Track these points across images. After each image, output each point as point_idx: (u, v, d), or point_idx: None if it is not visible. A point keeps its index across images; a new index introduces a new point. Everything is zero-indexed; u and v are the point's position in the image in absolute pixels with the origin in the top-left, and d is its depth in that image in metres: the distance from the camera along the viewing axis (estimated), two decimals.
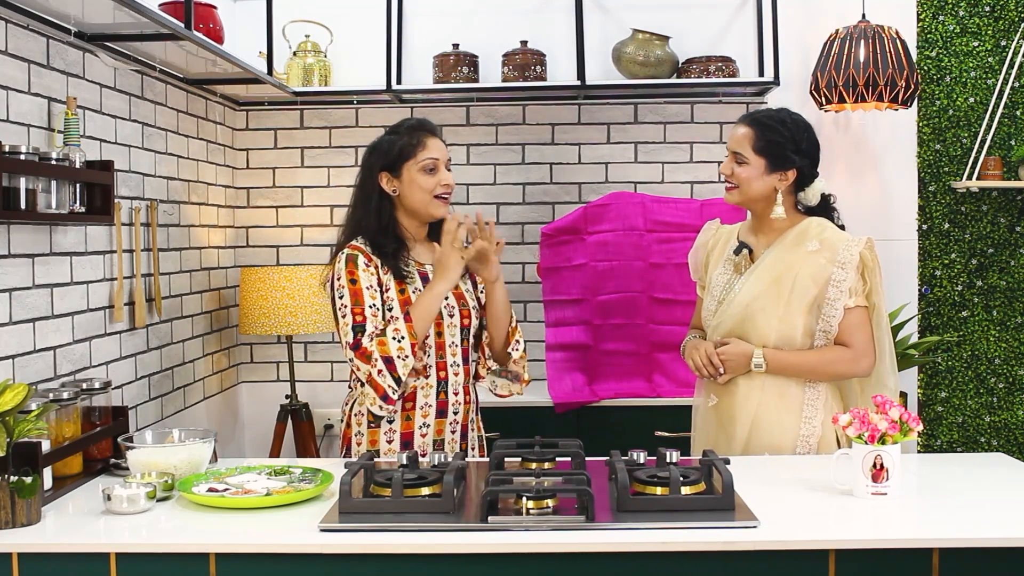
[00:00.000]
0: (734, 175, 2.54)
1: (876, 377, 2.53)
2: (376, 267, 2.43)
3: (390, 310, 2.39)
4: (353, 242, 2.46)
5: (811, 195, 2.56)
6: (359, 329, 2.35)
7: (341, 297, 2.38)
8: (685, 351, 2.68)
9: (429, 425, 2.49)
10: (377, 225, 2.47)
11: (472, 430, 2.60)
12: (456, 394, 2.50)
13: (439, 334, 2.48)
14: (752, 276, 2.54)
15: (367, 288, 2.39)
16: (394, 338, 2.34)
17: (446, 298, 2.48)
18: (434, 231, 2.56)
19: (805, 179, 2.54)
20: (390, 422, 2.45)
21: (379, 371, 2.32)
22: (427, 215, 2.51)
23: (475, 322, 2.58)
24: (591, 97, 3.94)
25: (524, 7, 3.92)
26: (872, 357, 2.49)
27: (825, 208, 2.59)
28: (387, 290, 2.42)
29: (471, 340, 2.58)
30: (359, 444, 2.47)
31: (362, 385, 2.38)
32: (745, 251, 2.59)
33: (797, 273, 2.47)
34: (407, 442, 2.47)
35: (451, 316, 2.50)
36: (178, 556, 1.86)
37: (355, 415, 2.49)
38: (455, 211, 2.50)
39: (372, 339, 2.34)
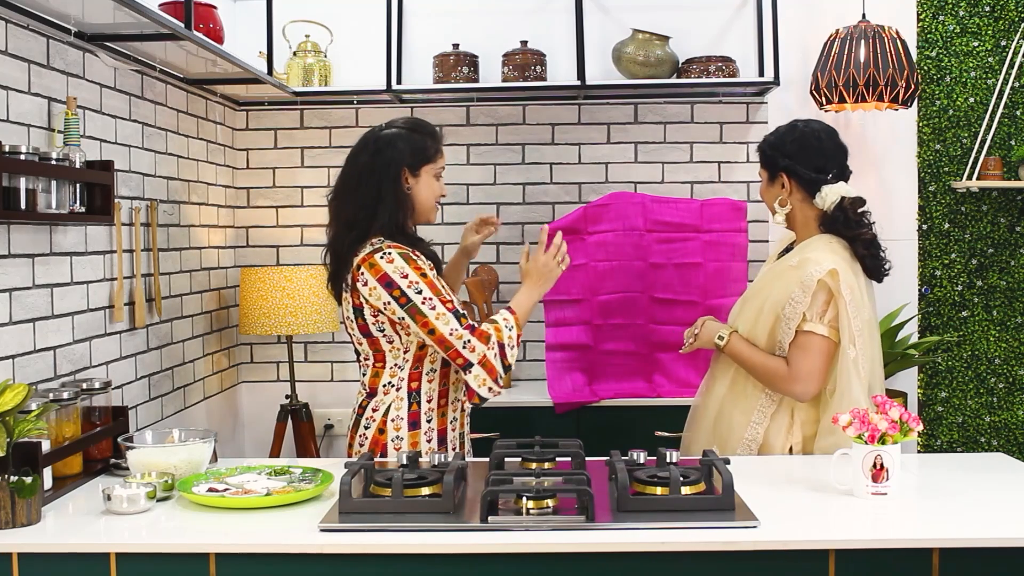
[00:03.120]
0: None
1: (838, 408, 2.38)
2: (424, 261, 2.44)
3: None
4: (383, 241, 2.42)
5: (821, 200, 2.50)
6: (458, 315, 2.37)
7: (420, 292, 2.34)
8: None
9: (456, 419, 2.53)
10: (402, 220, 2.46)
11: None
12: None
13: None
14: (755, 279, 2.61)
15: (436, 279, 2.41)
16: (506, 326, 2.41)
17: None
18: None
19: (807, 182, 2.51)
20: (428, 421, 2.46)
21: (494, 354, 2.37)
22: (425, 219, 2.53)
23: None
24: (591, 97, 3.94)
25: (524, 7, 3.92)
26: (810, 387, 2.42)
27: (842, 214, 2.49)
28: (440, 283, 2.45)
29: None
30: (398, 449, 2.43)
31: (468, 369, 2.35)
32: (782, 256, 2.64)
33: (774, 286, 2.49)
34: (442, 439, 2.49)
35: None
36: (178, 556, 1.86)
37: (391, 420, 2.44)
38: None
39: (482, 323, 2.40)
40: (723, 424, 2.56)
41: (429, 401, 2.46)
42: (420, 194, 2.49)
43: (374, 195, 2.44)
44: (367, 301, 2.39)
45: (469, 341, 2.35)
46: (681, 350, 2.72)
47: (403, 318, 2.36)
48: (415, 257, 2.41)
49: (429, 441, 2.46)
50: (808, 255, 2.45)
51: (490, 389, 2.37)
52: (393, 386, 2.45)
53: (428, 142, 2.50)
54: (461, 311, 2.39)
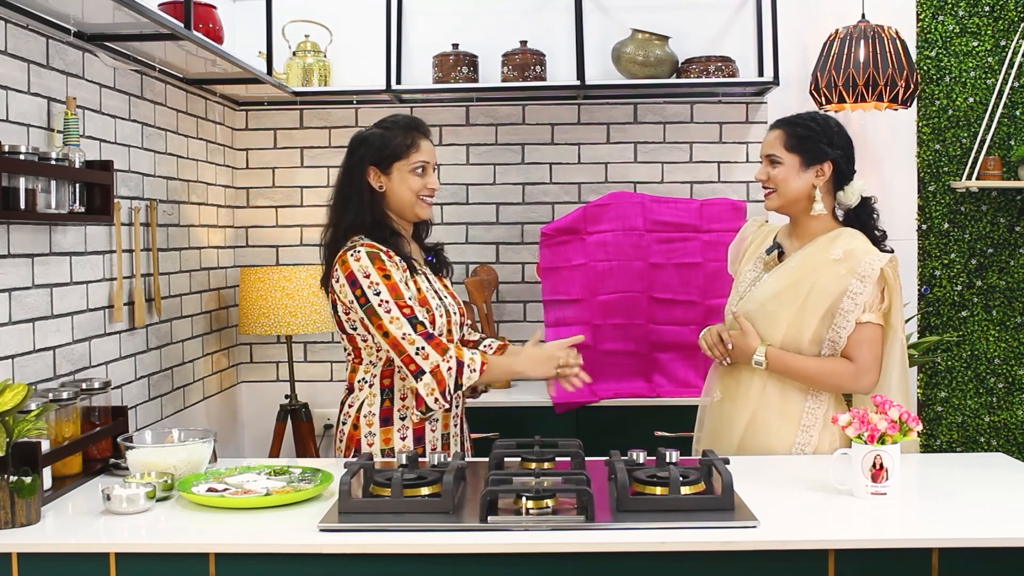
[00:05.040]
0: (770, 179, 2.51)
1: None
2: (396, 263, 2.42)
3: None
4: (362, 239, 2.44)
5: (850, 194, 2.50)
6: (415, 321, 2.35)
7: (378, 294, 2.34)
8: (700, 336, 2.66)
9: (438, 419, 2.51)
10: (371, 220, 2.46)
11: (465, 424, 2.65)
12: None
13: (449, 331, 2.51)
14: (774, 276, 2.53)
15: (401, 282, 2.38)
16: (469, 353, 2.39)
17: (443, 297, 2.53)
18: (417, 228, 2.61)
19: (843, 175, 2.50)
20: (402, 418, 2.45)
21: (448, 368, 2.34)
22: (412, 215, 2.53)
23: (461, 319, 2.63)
24: (591, 97, 3.94)
25: (524, 7, 3.92)
26: (875, 376, 2.43)
27: (865, 210, 2.53)
28: (407, 287, 2.41)
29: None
30: (371, 445, 2.44)
31: (419, 376, 2.33)
32: (776, 252, 2.58)
33: (816, 280, 2.43)
34: (419, 437, 2.47)
35: (454, 314, 2.54)
36: (178, 556, 1.86)
37: (364, 416, 2.46)
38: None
39: (444, 338, 2.39)
40: (760, 431, 2.49)
41: (403, 399, 2.46)
42: (394, 191, 2.48)
43: (344, 194, 2.49)
44: (339, 298, 2.42)
45: (423, 348, 2.33)
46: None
47: (363, 318, 2.37)
48: (385, 258, 2.40)
49: (403, 439, 2.46)
50: (852, 246, 2.43)
51: (436, 400, 2.34)
52: (367, 382, 2.46)
53: (399, 139, 2.48)
54: (420, 319, 2.36)
